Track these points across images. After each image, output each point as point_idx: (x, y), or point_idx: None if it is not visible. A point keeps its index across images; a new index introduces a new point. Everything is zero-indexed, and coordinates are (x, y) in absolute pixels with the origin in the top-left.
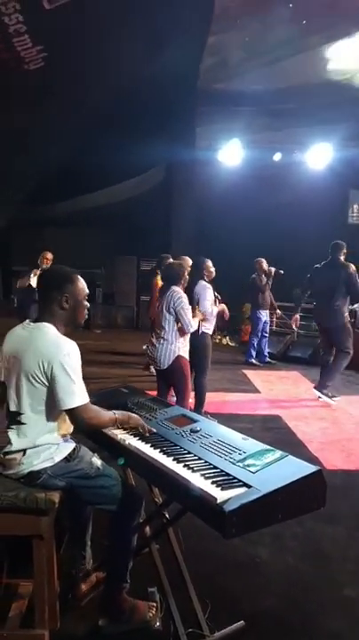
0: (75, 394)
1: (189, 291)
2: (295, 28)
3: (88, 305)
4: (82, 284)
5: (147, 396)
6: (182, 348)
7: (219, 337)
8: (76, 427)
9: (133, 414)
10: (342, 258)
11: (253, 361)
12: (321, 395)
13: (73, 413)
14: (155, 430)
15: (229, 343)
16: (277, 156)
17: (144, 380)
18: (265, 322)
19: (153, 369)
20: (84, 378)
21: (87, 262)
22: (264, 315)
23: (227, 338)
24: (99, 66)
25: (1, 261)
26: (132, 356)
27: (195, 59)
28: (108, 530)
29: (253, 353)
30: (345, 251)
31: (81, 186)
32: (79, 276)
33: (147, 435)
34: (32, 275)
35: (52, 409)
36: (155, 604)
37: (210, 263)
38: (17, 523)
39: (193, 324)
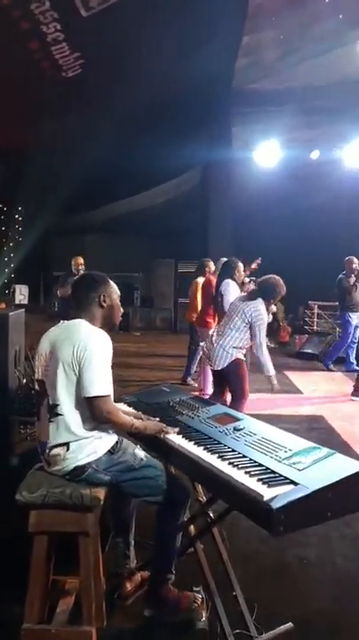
0: (98, 383)
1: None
2: (331, 23)
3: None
4: (115, 287)
5: (189, 395)
6: (239, 350)
7: None
8: (94, 417)
9: (151, 422)
10: None
11: (331, 367)
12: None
13: (92, 402)
14: (177, 429)
15: (269, 344)
16: (315, 154)
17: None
18: (356, 326)
19: (190, 380)
20: (123, 380)
21: (125, 266)
22: (355, 318)
23: (267, 339)
24: (135, 70)
25: (42, 267)
26: (171, 358)
27: (230, 59)
28: (155, 524)
29: (334, 357)
30: None
31: (118, 191)
32: (111, 281)
33: (172, 433)
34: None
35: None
36: (200, 596)
37: (241, 266)
38: (63, 519)
39: (263, 348)
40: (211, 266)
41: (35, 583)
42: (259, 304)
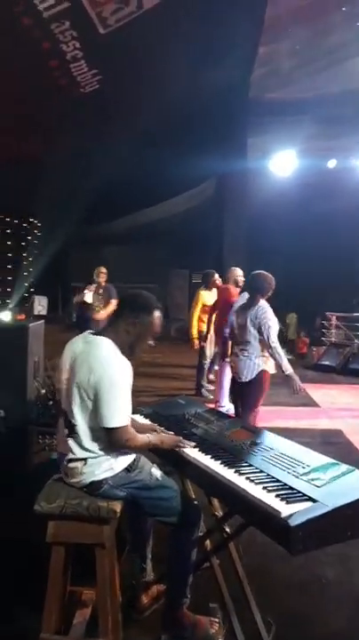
0: (117, 414)
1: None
2: (348, 31)
3: (152, 344)
4: (157, 320)
5: (205, 408)
6: (266, 361)
7: None
8: (111, 445)
9: (167, 436)
10: None
11: None
12: None
13: (110, 432)
14: (194, 444)
15: (286, 356)
16: (332, 163)
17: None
18: None
19: (204, 392)
20: (138, 390)
21: (141, 277)
22: None
23: (284, 350)
24: (152, 83)
25: (60, 278)
26: (185, 368)
27: (247, 70)
28: (168, 543)
29: None
30: None
31: (135, 203)
32: (158, 312)
33: (188, 447)
34: (86, 291)
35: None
36: (217, 620)
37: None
38: (80, 531)
39: (276, 346)
40: (217, 277)
41: (52, 593)
42: (263, 304)
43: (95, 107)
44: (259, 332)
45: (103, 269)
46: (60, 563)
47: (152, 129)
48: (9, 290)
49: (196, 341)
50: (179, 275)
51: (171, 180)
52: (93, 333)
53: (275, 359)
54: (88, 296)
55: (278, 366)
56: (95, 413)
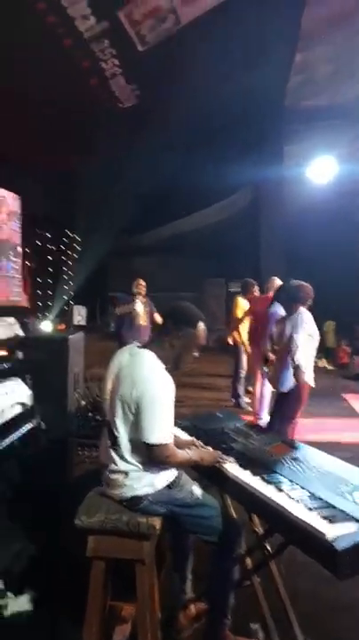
0: (158, 430)
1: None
2: None
3: (197, 355)
4: (202, 332)
5: (244, 421)
6: (307, 372)
7: (316, 359)
8: (152, 460)
9: (206, 452)
10: None
11: None
12: None
13: (151, 449)
14: (233, 459)
15: (327, 366)
16: None
17: (234, 403)
18: None
19: (242, 403)
20: (176, 400)
21: (176, 286)
22: None
23: (325, 360)
24: (188, 95)
25: (98, 288)
26: (222, 378)
27: (283, 79)
28: (209, 562)
29: None
30: None
31: (171, 213)
32: (202, 324)
33: (225, 464)
34: (137, 300)
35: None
36: None
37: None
38: (120, 546)
39: (298, 355)
40: (256, 288)
41: (92, 607)
42: (302, 314)
43: (133, 120)
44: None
45: (142, 281)
46: (100, 577)
47: (188, 140)
48: (50, 301)
49: (247, 345)
50: (214, 284)
51: (207, 190)
52: (139, 346)
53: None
54: (139, 305)
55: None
56: (137, 427)
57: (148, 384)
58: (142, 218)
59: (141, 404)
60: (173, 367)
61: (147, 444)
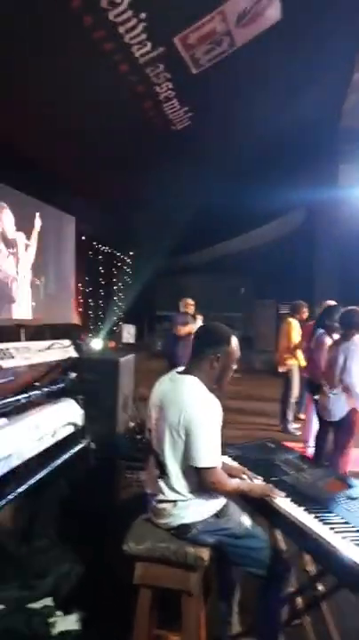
0: (207, 454)
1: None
2: None
3: (235, 367)
4: (235, 346)
5: (296, 453)
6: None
7: None
8: (200, 485)
9: (257, 485)
10: None
11: None
12: None
13: (200, 472)
14: (284, 494)
15: None
16: None
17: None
18: None
19: (290, 428)
20: (222, 423)
21: (226, 306)
22: None
23: None
24: (242, 116)
25: (146, 307)
26: (271, 403)
27: (339, 98)
28: (256, 596)
29: None
30: None
31: (222, 233)
32: (235, 339)
33: (275, 498)
34: (199, 319)
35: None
36: None
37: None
38: (167, 575)
39: (354, 382)
40: (305, 310)
41: (138, 635)
42: (357, 341)
43: (187, 143)
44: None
45: (190, 301)
46: (147, 605)
47: (240, 160)
48: (100, 319)
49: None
50: (264, 305)
51: (260, 210)
52: (179, 372)
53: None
54: (197, 324)
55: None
56: (186, 453)
57: (195, 408)
58: (193, 238)
59: (190, 428)
60: (217, 387)
61: (196, 467)
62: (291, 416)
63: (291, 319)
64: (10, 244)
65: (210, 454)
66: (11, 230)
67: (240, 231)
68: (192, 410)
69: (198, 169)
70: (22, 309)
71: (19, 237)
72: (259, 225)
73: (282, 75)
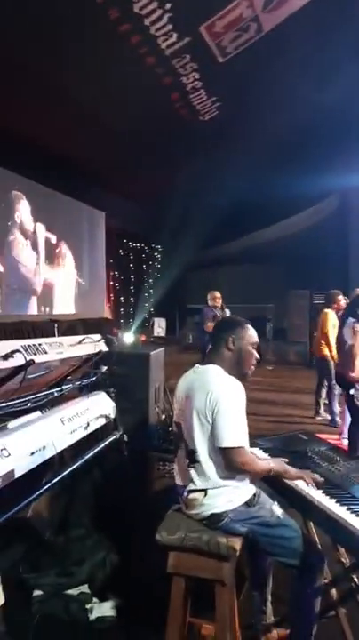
0: (233, 434)
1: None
2: None
3: (257, 356)
4: (251, 331)
5: (329, 445)
6: None
7: None
8: (229, 468)
9: (291, 468)
10: None
11: None
12: None
13: (227, 453)
14: (322, 479)
15: None
16: None
17: (317, 422)
18: None
19: (323, 413)
20: (255, 415)
21: (257, 297)
22: None
23: None
24: (272, 104)
25: (177, 300)
26: (306, 394)
27: None
28: (290, 587)
29: None
30: None
31: (254, 223)
32: (250, 326)
33: (316, 487)
34: (227, 311)
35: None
36: None
37: None
38: (200, 565)
39: None
40: (341, 299)
41: (172, 623)
42: None
43: (215, 133)
44: None
45: (217, 293)
46: (180, 594)
47: (271, 148)
48: (131, 313)
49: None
50: (298, 295)
51: (292, 198)
52: (201, 364)
53: None
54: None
55: None
56: (213, 436)
57: (221, 390)
58: (224, 229)
59: (216, 409)
60: (238, 373)
61: (223, 448)
62: (336, 407)
63: (327, 310)
64: (29, 237)
65: (237, 434)
66: (41, 231)
67: (274, 221)
68: (218, 392)
69: (228, 159)
70: (63, 305)
71: (44, 233)
72: (293, 213)
73: (311, 59)
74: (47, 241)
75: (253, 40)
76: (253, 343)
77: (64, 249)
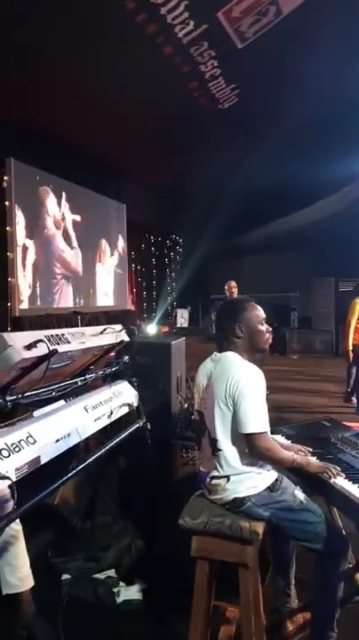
0: (255, 419)
1: None
2: None
3: (269, 329)
4: (256, 310)
5: (354, 431)
6: None
7: None
8: (251, 454)
9: (315, 461)
10: None
11: None
12: None
13: (250, 439)
14: (343, 475)
15: None
16: None
17: (343, 410)
18: None
19: (354, 400)
20: (280, 406)
21: (282, 286)
22: None
23: None
24: (293, 90)
25: (200, 291)
26: (332, 383)
27: None
28: (314, 571)
29: None
30: None
31: (277, 210)
32: (253, 303)
33: (335, 477)
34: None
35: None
36: None
37: None
38: (223, 548)
39: None
40: None
41: (197, 606)
42: None
43: (235, 120)
44: None
45: (233, 283)
46: (205, 577)
47: (293, 135)
48: (154, 304)
49: (350, 354)
50: (323, 283)
51: (316, 184)
52: (218, 352)
53: None
54: None
55: None
56: (235, 423)
57: (241, 376)
58: (247, 218)
59: (237, 395)
60: (254, 351)
61: (245, 434)
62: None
63: (357, 299)
64: (63, 229)
65: (258, 419)
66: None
67: (297, 208)
68: (238, 377)
69: (249, 147)
70: (104, 297)
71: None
72: (317, 200)
73: (333, 40)
74: (80, 233)
75: (273, 24)
76: (261, 320)
77: (103, 244)
